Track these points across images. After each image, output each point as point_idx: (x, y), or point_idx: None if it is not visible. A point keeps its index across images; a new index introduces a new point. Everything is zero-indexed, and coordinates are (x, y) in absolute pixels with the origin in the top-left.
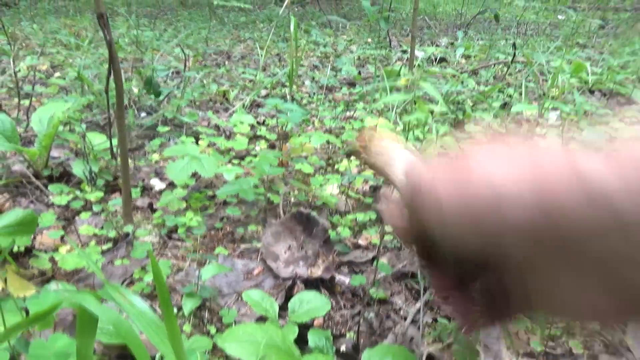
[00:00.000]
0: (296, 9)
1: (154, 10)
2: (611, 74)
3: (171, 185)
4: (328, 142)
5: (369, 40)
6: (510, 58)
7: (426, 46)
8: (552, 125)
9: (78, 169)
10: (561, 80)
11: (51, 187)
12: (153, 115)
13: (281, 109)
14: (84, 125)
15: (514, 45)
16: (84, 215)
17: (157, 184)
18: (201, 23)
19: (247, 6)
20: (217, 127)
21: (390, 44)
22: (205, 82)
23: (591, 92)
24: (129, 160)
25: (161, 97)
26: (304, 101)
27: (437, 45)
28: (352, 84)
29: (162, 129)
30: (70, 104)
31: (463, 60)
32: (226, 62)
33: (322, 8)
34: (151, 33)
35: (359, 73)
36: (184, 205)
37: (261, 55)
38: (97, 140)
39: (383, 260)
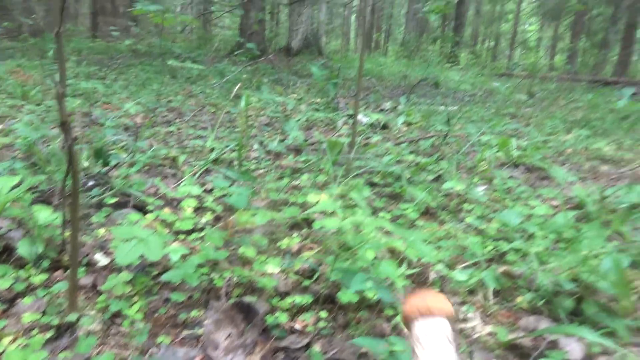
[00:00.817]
0: (248, 67)
1: (105, 57)
2: (533, 150)
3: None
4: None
5: (318, 100)
6: (446, 129)
7: (371, 109)
8: (479, 199)
9: (24, 249)
10: (489, 155)
11: None
12: (101, 183)
13: (228, 192)
14: (30, 200)
15: (448, 121)
16: (27, 300)
17: (101, 259)
18: (152, 74)
19: (199, 67)
20: (165, 195)
21: (337, 106)
22: (154, 145)
23: (516, 165)
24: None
25: (110, 165)
26: (252, 167)
27: (381, 110)
28: (298, 151)
29: (109, 200)
30: (19, 180)
31: (404, 128)
32: (177, 120)
33: (274, 65)
34: (102, 86)
35: (305, 140)
36: (129, 289)
37: (211, 129)
38: (44, 214)
39: (316, 347)
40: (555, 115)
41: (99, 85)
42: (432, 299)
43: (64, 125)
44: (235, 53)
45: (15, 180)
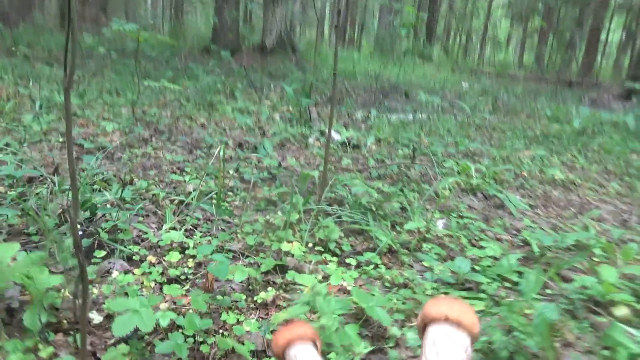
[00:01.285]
0: (222, 74)
1: (78, 59)
2: (491, 176)
3: (109, 317)
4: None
5: (290, 109)
6: (414, 148)
7: (342, 122)
8: (439, 233)
9: (30, 320)
10: (451, 181)
11: (7, 344)
12: (88, 233)
13: (212, 258)
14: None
15: (413, 150)
16: None
17: (95, 317)
18: (127, 76)
19: (176, 87)
20: (149, 240)
21: (310, 117)
22: (134, 178)
23: (475, 193)
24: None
25: (97, 214)
26: (230, 198)
27: (353, 120)
28: (273, 178)
29: (98, 253)
30: (18, 251)
31: (374, 147)
32: (153, 139)
33: (248, 66)
34: (77, 99)
35: (279, 165)
36: (127, 358)
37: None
38: (44, 276)
39: None
40: (517, 128)
41: (74, 98)
42: (466, 311)
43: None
44: (209, 50)
45: (15, 248)
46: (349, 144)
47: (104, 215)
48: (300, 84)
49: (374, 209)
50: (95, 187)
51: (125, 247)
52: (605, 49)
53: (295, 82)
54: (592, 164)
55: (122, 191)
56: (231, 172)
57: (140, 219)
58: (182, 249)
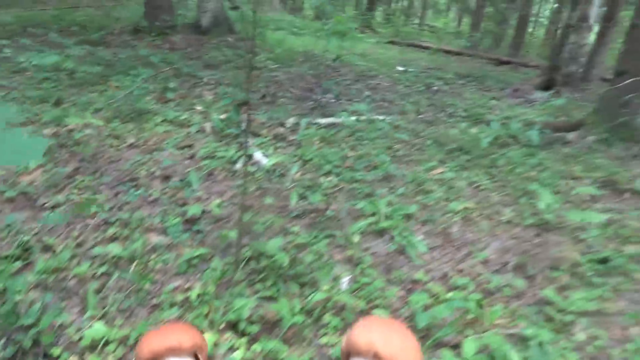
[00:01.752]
0: (156, 56)
1: None
2: (398, 219)
3: None
4: None
5: (223, 116)
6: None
7: (274, 132)
8: (342, 298)
9: None
10: (362, 225)
11: None
12: (12, 340)
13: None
14: None
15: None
16: None
17: None
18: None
19: (98, 122)
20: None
21: (241, 130)
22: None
23: (382, 234)
24: None
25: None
26: (151, 262)
27: (283, 125)
28: (198, 232)
29: None
30: None
31: (298, 175)
32: (77, 177)
33: (181, 49)
34: None
35: (203, 211)
36: None
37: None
38: None
39: None
40: (437, 137)
41: None
42: (404, 344)
43: None
44: (140, 30)
45: None
46: (274, 172)
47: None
48: (237, 85)
49: (286, 263)
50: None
51: (48, 348)
52: (536, 23)
53: (230, 87)
54: (495, 186)
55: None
56: (156, 221)
57: (62, 304)
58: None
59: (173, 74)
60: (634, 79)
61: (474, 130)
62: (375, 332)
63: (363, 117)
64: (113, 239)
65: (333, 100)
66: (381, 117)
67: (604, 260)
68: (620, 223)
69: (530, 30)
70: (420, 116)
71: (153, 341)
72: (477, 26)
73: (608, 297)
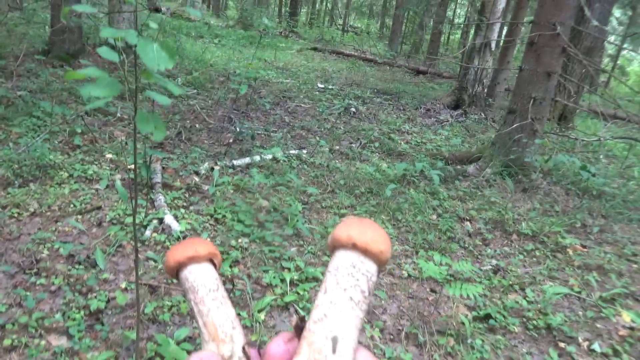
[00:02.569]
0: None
1: None
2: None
3: None
4: None
5: (130, 166)
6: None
7: (188, 182)
8: None
9: None
10: (265, 303)
11: None
12: None
13: None
14: None
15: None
16: None
17: None
18: None
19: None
20: None
21: (152, 186)
22: None
23: (287, 309)
24: None
25: None
26: None
27: (197, 173)
28: (103, 323)
29: None
30: None
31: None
32: None
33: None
34: None
35: (108, 301)
36: None
37: None
38: None
39: None
40: (346, 184)
41: None
42: (376, 238)
43: None
44: (47, 53)
45: None
46: (185, 239)
47: None
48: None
49: None
50: None
51: None
52: (450, 31)
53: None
54: (400, 234)
55: None
56: (58, 318)
57: None
58: None
59: (81, 111)
60: (522, 122)
61: (384, 165)
62: (353, 227)
63: (280, 154)
64: (10, 349)
65: (251, 131)
66: (297, 152)
67: (486, 317)
68: (505, 271)
69: (446, 34)
70: (336, 147)
71: (175, 253)
72: (397, 32)
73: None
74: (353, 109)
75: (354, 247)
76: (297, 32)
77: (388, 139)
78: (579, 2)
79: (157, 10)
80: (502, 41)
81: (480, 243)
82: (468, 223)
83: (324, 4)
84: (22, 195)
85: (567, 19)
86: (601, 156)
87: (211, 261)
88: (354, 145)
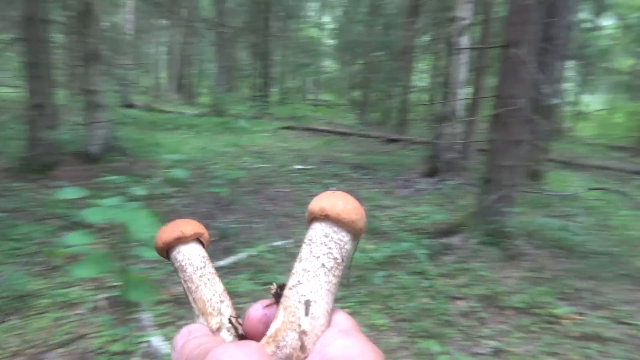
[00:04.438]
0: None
1: None
2: None
3: None
4: None
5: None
6: None
7: (173, 290)
8: None
9: None
10: None
11: None
12: None
13: None
14: None
15: None
16: None
17: None
18: None
19: None
20: None
21: (133, 304)
22: None
23: None
24: None
25: None
26: None
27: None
28: None
29: None
30: None
31: None
32: None
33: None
34: None
35: None
36: None
37: None
38: None
39: None
40: None
41: None
42: (348, 208)
43: None
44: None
45: None
46: None
47: None
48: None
49: None
50: None
51: None
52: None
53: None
54: (394, 323)
55: None
56: None
57: None
58: None
59: (59, 225)
60: (497, 191)
61: (371, 247)
62: (325, 199)
63: (265, 248)
64: None
65: (235, 226)
66: (282, 243)
67: None
68: (505, 352)
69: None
70: None
71: (163, 235)
72: (366, 102)
73: None
74: (333, 188)
75: (327, 217)
76: (270, 112)
77: (371, 217)
78: (533, 75)
79: (131, 105)
80: (467, 109)
81: (477, 323)
82: (461, 302)
83: (294, 80)
84: (2, 333)
85: (526, 91)
86: (578, 210)
87: (199, 240)
88: None
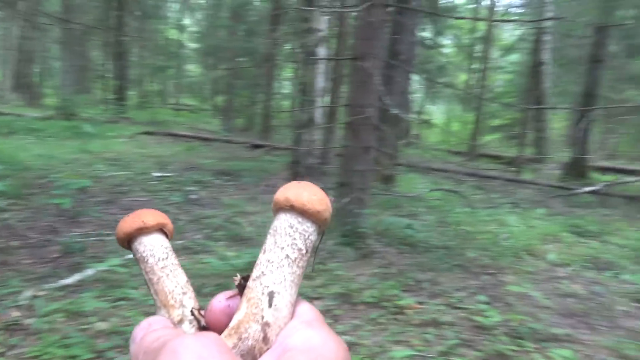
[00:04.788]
0: None
1: None
2: None
3: None
4: None
5: None
6: None
7: (4, 317)
8: None
9: None
10: None
11: None
12: None
13: None
14: None
15: None
16: None
17: None
18: None
19: None
20: None
21: None
22: None
23: None
24: None
25: None
26: None
27: (17, 306)
28: None
29: None
30: None
31: None
32: None
33: None
34: None
35: None
36: None
37: None
38: None
39: None
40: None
41: None
42: (312, 198)
43: None
44: None
45: None
46: None
47: None
48: None
49: None
50: None
51: None
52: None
53: None
54: None
55: None
56: None
57: None
58: None
59: None
60: (350, 194)
61: (231, 254)
62: (290, 189)
63: (116, 261)
64: None
65: (82, 239)
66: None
67: None
68: (356, 345)
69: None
70: (180, 242)
71: (124, 226)
72: (229, 108)
73: None
74: (195, 196)
75: (292, 208)
76: (127, 117)
77: (233, 223)
78: (378, 87)
79: None
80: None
81: (332, 321)
82: (318, 302)
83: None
84: None
85: (375, 101)
86: (422, 209)
87: (162, 231)
88: (198, 237)
